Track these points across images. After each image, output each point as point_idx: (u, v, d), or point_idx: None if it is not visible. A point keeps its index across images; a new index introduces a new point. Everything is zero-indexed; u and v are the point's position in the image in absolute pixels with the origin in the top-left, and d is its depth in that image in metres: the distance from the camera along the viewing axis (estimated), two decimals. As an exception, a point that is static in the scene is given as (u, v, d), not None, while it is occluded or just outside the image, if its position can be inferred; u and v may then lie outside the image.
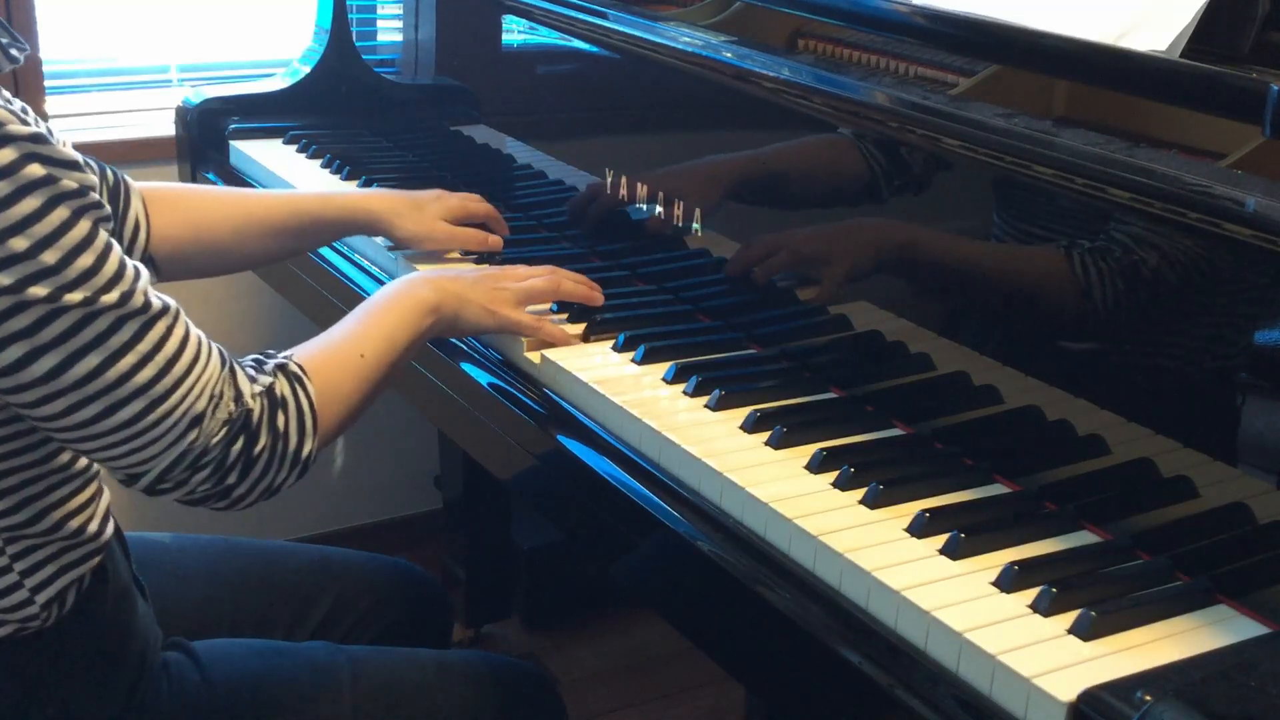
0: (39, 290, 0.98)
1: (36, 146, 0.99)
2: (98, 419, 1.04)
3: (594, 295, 1.46)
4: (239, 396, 1.11)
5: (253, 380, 1.13)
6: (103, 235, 1.02)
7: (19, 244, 0.97)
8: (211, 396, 1.08)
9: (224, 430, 1.09)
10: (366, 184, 1.92)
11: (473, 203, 1.65)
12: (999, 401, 1.22)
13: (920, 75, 1.36)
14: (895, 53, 1.39)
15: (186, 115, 2.15)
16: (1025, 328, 1.22)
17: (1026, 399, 1.20)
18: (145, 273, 1.07)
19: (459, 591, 2.40)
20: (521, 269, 1.46)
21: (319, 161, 2.03)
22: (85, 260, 1.01)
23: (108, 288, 1.02)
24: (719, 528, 1.14)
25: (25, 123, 1.00)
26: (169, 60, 2.52)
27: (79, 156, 1.04)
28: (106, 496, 1.21)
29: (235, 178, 2.07)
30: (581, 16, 1.65)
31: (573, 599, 2.51)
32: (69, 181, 1.01)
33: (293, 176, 1.96)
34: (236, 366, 1.13)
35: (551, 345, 1.41)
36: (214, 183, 2.09)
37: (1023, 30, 1.20)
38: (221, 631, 1.39)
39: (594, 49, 1.68)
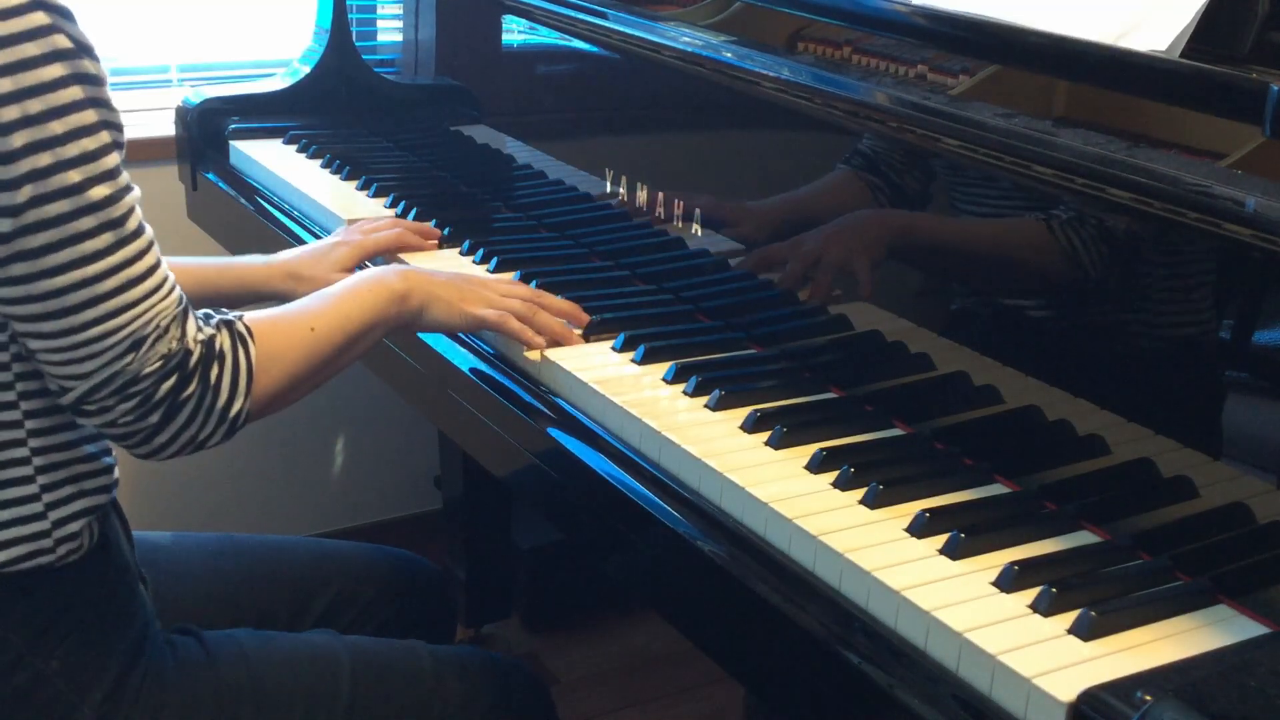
0: (41, 159, 1.02)
1: (65, 21, 1.04)
2: (47, 317, 1.07)
3: (569, 336, 1.42)
4: (182, 336, 1.12)
5: (199, 328, 1.15)
6: (106, 134, 1.06)
7: (34, 106, 1.01)
8: (157, 327, 1.10)
9: (159, 364, 1.10)
10: (366, 184, 1.92)
11: (370, 239, 1.62)
12: (999, 401, 1.22)
13: (920, 75, 1.36)
14: (895, 55, 1.39)
15: (186, 115, 2.15)
16: (1025, 320, 1.22)
17: (1026, 399, 1.20)
18: (137, 190, 1.10)
19: (459, 592, 2.40)
20: (505, 284, 1.45)
21: (319, 161, 2.03)
22: (87, 143, 1.04)
23: (101, 180, 1.05)
24: (719, 528, 1.14)
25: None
26: (169, 60, 2.52)
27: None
28: None
29: (235, 178, 2.07)
30: (581, 16, 1.65)
31: (573, 599, 2.51)
32: (90, 65, 1.05)
33: (293, 176, 1.96)
34: (189, 310, 1.14)
35: (520, 342, 1.39)
36: (214, 183, 2.09)
37: (1023, 30, 1.20)
38: (222, 625, 1.39)
39: (594, 49, 1.68)
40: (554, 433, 1.32)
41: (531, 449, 1.36)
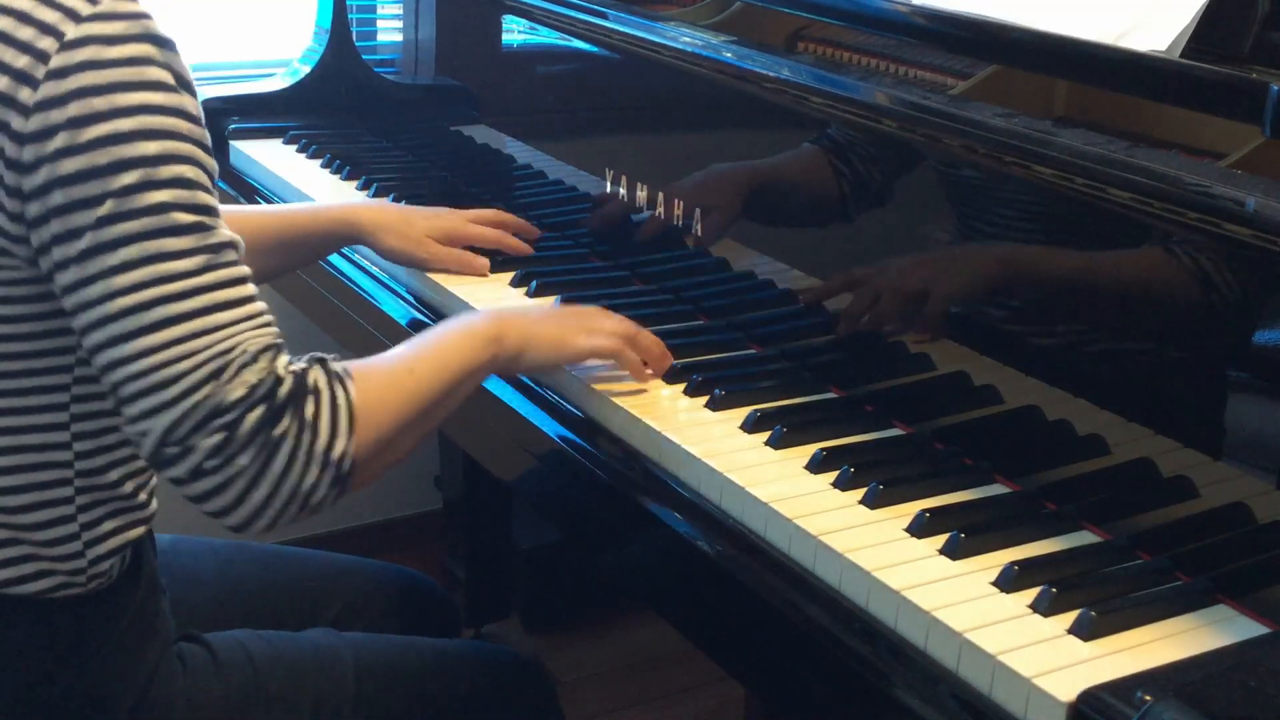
0: (128, 178, 0.99)
1: (170, 54, 1.02)
2: (124, 339, 1.01)
3: (664, 365, 1.34)
4: (272, 367, 1.04)
5: (291, 362, 1.07)
6: (201, 173, 1.03)
7: (125, 124, 0.99)
8: (244, 353, 1.02)
9: (245, 390, 1.01)
10: (366, 184, 1.92)
11: (473, 227, 1.61)
12: (999, 401, 1.22)
13: (920, 76, 1.36)
14: (895, 55, 1.39)
15: (186, 115, 2.15)
16: (1025, 321, 1.22)
17: (1026, 399, 1.20)
18: (239, 241, 1.06)
19: (459, 591, 2.39)
20: (601, 318, 1.35)
21: (319, 161, 2.03)
22: (182, 170, 1.02)
23: (191, 209, 1.02)
24: (719, 527, 1.14)
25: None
26: (169, 60, 2.51)
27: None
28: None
29: (235, 177, 2.07)
30: (581, 16, 1.64)
31: (573, 599, 2.51)
32: (189, 102, 1.03)
33: (293, 176, 1.96)
34: (284, 348, 1.07)
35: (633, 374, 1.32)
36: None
37: (1023, 30, 1.20)
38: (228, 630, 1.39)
39: (594, 49, 1.68)
40: (555, 433, 1.32)
41: (531, 449, 1.36)
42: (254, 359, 1.03)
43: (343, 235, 1.57)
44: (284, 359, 1.06)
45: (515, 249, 1.63)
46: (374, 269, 1.71)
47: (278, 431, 1.03)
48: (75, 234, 1.00)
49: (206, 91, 2.18)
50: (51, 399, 1.10)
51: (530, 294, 1.54)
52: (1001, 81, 1.25)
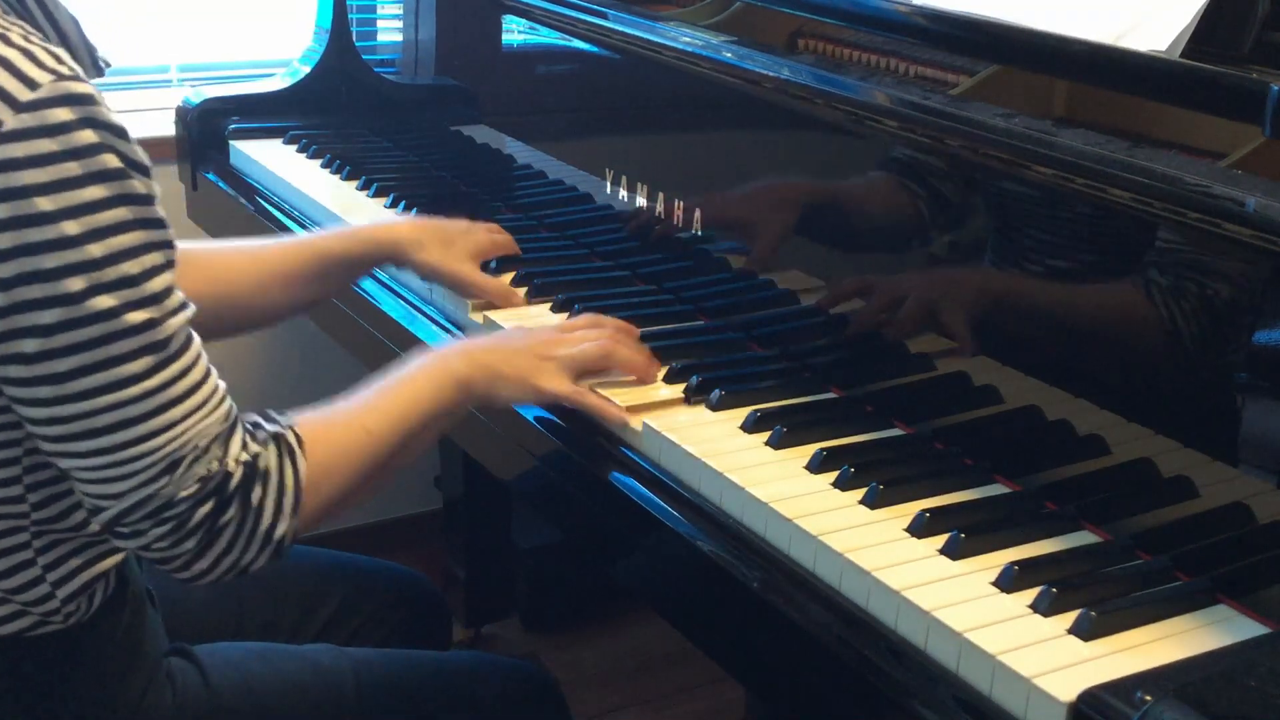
0: (75, 283, 0.96)
1: (117, 140, 0.98)
2: (76, 438, 1.01)
3: (650, 372, 1.33)
4: (224, 457, 1.06)
5: (244, 446, 1.08)
6: (153, 255, 1.00)
7: (71, 228, 0.96)
8: (195, 448, 1.04)
9: (195, 487, 1.04)
10: (366, 184, 1.92)
11: (497, 235, 1.60)
12: (999, 401, 1.22)
13: (920, 75, 1.36)
14: (895, 53, 1.39)
15: (186, 115, 2.15)
16: (1026, 321, 1.22)
17: (1026, 399, 1.20)
18: (189, 309, 1.04)
19: (459, 591, 2.40)
20: (578, 331, 1.34)
21: (319, 161, 2.03)
22: (128, 267, 0.98)
23: (139, 305, 0.99)
24: (719, 527, 1.14)
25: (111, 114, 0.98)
26: (169, 60, 2.52)
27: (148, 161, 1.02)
28: None
29: (235, 178, 2.07)
30: (581, 16, 1.65)
31: (573, 599, 2.51)
32: (139, 185, 0.99)
33: (293, 176, 1.96)
34: (237, 426, 1.08)
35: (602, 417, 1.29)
36: (214, 182, 2.09)
37: (1023, 30, 1.20)
38: (226, 634, 1.39)
39: (594, 49, 1.68)
40: (555, 434, 1.32)
41: (531, 449, 1.36)
42: (205, 451, 1.05)
43: (382, 255, 1.53)
44: (235, 443, 1.07)
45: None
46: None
47: (223, 520, 1.06)
48: (21, 333, 0.98)
49: (206, 91, 2.18)
50: (3, 454, 1.07)
51: (531, 295, 1.54)
52: (1001, 81, 1.25)
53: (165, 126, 2.25)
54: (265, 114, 2.18)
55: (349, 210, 1.83)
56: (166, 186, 2.32)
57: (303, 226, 1.87)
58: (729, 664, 1.19)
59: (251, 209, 1.98)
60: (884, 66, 1.40)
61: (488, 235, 1.60)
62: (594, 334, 1.33)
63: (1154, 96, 1.14)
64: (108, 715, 1.18)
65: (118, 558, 1.18)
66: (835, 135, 1.35)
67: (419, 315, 1.59)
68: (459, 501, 2.37)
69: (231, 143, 2.12)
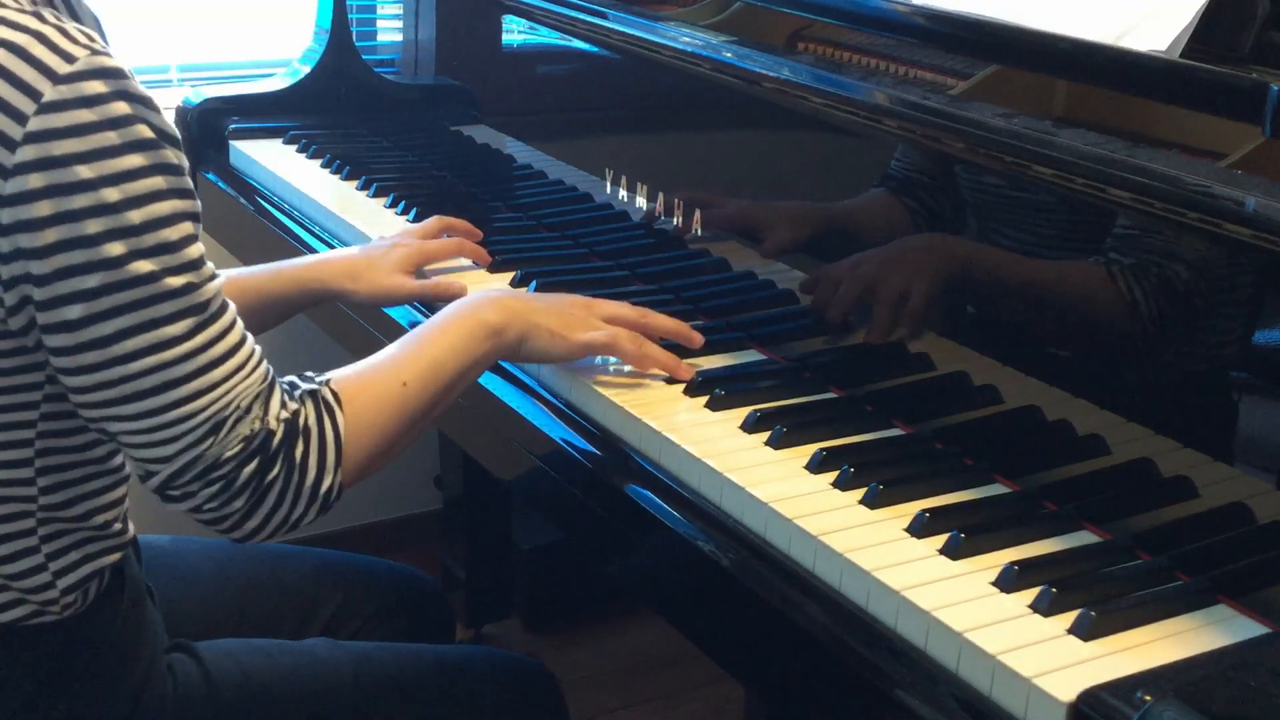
0: (115, 248, 0.99)
1: (149, 111, 1.01)
2: (123, 401, 1.04)
3: (678, 368, 1.33)
4: (265, 415, 1.08)
5: (282, 405, 1.10)
6: (186, 224, 1.03)
7: (111, 194, 0.98)
8: (238, 408, 1.07)
9: (240, 446, 1.07)
10: (366, 185, 1.92)
11: (431, 244, 1.57)
12: (999, 401, 1.22)
13: (920, 77, 1.36)
14: (895, 56, 1.39)
15: (186, 115, 2.15)
16: (1026, 321, 1.22)
17: (1026, 399, 1.20)
18: (220, 276, 1.07)
19: (459, 591, 2.40)
20: (611, 305, 1.35)
21: (319, 161, 2.03)
22: (166, 233, 1.02)
23: (178, 271, 1.02)
24: (719, 528, 1.14)
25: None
26: (169, 60, 2.51)
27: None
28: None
29: (235, 177, 2.07)
30: (581, 16, 1.65)
31: (573, 599, 2.51)
32: (171, 155, 1.02)
33: (293, 176, 1.96)
34: (275, 386, 1.11)
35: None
36: (214, 182, 2.09)
37: (1023, 30, 1.20)
38: (226, 633, 1.39)
39: (594, 49, 1.68)
40: (555, 433, 1.32)
41: (531, 449, 1.36)
42: (247, 411, 1.07)
43: (310, 294, 1.50)
44: (275, 402, 1.10)
45: (476, 254, 1.61)
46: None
47: (270, 478, 1.09)
48: (64, 300, 1.00)
49: (206, 91, 2.18)
50: (16, 435, 1.09)
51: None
52: (1001, 81, 1.25)
53: (165, 126, 2.25)
54: (265, 114, 2.18)
55: (348, 210, 1.82)
56: (166, 186, 2.30)
57: (302, 227, 1.87)
58: (728, 664, 1.19)
59: (251, 209, 1.98)
60: (884, 69, 1.40)
61: (415, 247, 1.54)
62: (626, 313, 1.35)
63: (1154, 96, 1.14)
64: (104, 708, 1.18)
65: (119, 555, 1.18)
66: (835, 135, 1.35)
67: (420, 316, 1.59)
68: (459, 501, 2.38)
69: (231, 143, 2.12)
